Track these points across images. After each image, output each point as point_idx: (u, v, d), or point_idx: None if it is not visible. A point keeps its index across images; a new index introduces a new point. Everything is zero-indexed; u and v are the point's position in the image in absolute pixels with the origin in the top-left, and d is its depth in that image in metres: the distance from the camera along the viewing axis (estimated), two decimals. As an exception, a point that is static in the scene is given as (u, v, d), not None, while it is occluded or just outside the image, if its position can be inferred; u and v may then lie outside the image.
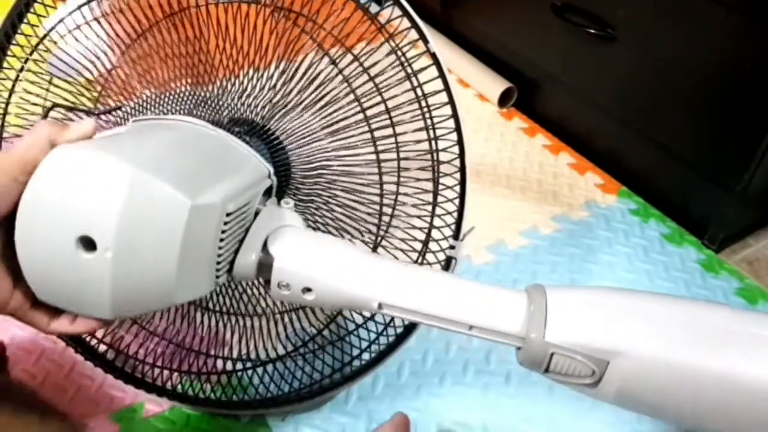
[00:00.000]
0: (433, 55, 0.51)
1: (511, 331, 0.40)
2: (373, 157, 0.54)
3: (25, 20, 0.56)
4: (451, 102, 0.51)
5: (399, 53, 0.51)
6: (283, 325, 0.62)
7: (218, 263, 0.41)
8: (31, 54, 0.57)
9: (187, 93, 0.58)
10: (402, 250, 0.58)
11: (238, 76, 0.56)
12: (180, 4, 0.55)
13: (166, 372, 0.64)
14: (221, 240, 0.40)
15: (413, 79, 0.51)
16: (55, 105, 0.49)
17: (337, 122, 0.55)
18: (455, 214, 0.55)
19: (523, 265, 0.84)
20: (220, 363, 0.65)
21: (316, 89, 0.54)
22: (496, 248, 0.86)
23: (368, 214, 0.56)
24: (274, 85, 0.55)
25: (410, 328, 0.60)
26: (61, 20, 0.55)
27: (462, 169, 0.53)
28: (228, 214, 0.40)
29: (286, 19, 0.52)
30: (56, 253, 0.36)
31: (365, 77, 0.52)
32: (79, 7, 0.55)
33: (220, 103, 0.57)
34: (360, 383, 0.65)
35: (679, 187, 0.92)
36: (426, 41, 0.51)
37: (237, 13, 0.53)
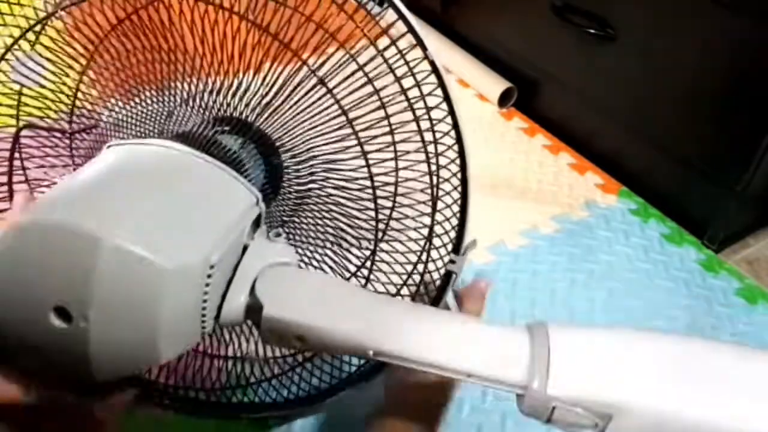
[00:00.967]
0: (432, 63, 0.50)
1: (512, 381, 0.38)
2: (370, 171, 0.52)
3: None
4: (452, 112, 0.50)
5: (402, 61, 0.50)
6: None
7: (203, 316, 0.39)
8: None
9: (168, 91, 0.55)
10: (401, 264, 0.57)
11: (228, 73, 0.53)
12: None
13: (165, 372, 0.64)
14: (205, 293, 0.38)
15: (416, 89, 0.50)
16: (26, 125, 0.47)
17: (331, 130, 0.54)
18: (456, 229, 0.54)
19: (523, 265, 0.84)
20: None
21: (307, 93, 0.53)
22: (496, 248, 0.86)
23: (365, 220, 0.56)
24: (267, 83, 0.53)
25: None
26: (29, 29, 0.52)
27: (463, 182, 0.52)
28: (212, 266, 0.38)
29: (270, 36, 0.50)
30: (30, 324, 0.35)
31: (364, 79, 0.51)
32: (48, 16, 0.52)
33: (205, 100, 0.54)
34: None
35: (679, 187, 0.92)
36: (424, 48, 0.50)
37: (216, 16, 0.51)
